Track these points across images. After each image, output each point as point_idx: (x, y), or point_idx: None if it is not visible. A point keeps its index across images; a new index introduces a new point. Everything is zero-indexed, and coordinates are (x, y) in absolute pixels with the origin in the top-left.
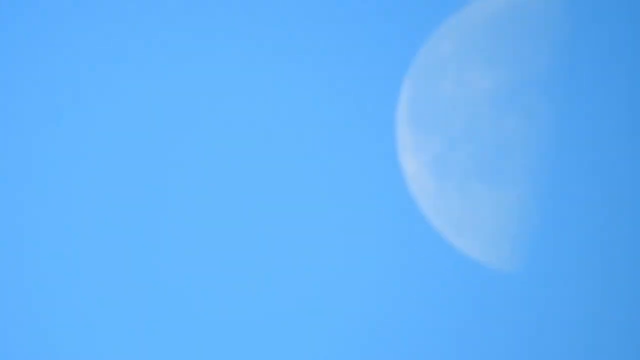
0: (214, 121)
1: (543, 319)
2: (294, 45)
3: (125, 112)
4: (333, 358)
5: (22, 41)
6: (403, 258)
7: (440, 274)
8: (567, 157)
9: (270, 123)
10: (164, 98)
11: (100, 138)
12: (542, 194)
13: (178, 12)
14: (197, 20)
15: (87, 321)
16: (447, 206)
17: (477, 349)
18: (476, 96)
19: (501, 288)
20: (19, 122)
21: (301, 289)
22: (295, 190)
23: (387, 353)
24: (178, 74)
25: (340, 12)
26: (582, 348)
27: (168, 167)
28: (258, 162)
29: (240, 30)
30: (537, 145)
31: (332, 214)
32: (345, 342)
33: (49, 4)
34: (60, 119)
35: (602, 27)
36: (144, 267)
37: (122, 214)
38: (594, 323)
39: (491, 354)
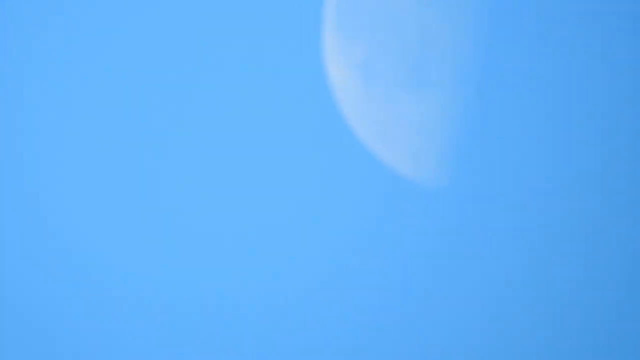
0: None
1: (470, 236)
2: None
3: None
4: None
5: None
6: (327, 169)
7: (364, 187)
8: (497, 61)
9: (194, 31)
10: None
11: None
12: (471, 102)
13: None
14: None
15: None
16: (373, 115)
17: (401, 267)
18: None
19: (427, 202)
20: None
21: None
22: (220, 94)
23: (307, 275)
24: None
25: None
26: (506, 267)
27: None
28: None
29: None
30: (465, 50)
31: (254, 119)
32: (268, 244)
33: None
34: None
35: None
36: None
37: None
38: (521, 241)
39: (417, 272)
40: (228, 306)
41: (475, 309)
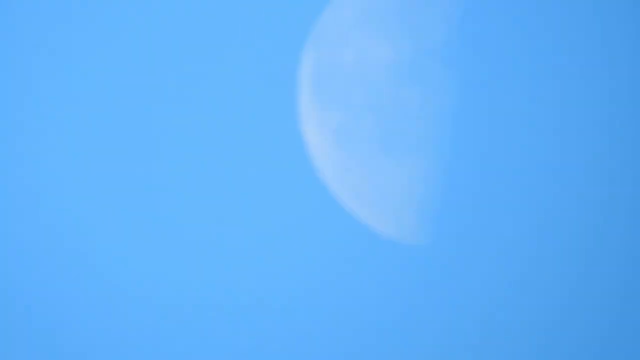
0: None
1: (448, 290)
2: (193, 13)
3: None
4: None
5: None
6: (306, 230)
7: (343, 245)
8: (467, 127)
9: (170, 94)
10: None
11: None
12: (442, 165)
13: None
14: None
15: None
16: (349, 178)
17: (379, 321)
18: (376, 68)
19: (404, 259)
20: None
21: (206, 270)
22: (200, 162)
23: (287, 325)
24: None
25: None
26: (485, 319)
27: None
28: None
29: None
30: (437, 117)
31: (234, 186)
32: (245, 317)
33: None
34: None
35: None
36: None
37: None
38: (499, 294)
39: (395, 326)
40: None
41: None
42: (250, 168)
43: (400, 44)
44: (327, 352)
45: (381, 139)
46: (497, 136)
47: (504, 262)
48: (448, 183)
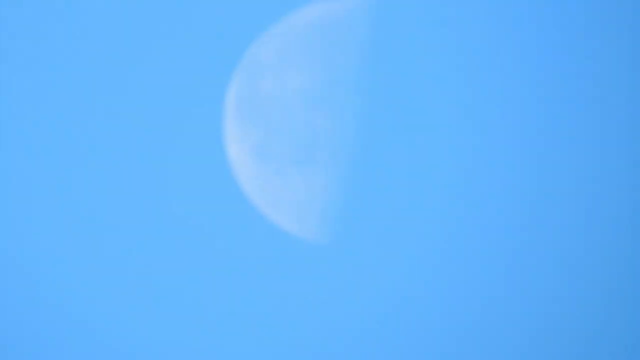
0: None
1: (350, 285)
2: (132, 45)
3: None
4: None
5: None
6: (227, 236)
7: (260, 247)
8: (368, 145)
9: (103, 116)
10: None
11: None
12: (346, 176)
13: None
14: None
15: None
16: (266, 187)
17: (290, 313)
18: (292, 94)
19: (312, 256)
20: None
21: (130, 276)
22: (130, 175)
23: (211, 326)
24: None
25: (171, 15)
26: (389, 314)
27: None
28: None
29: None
30: (342, 136)
31: (163, 196)
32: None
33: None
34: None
35: (404, 34)
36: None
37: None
38: (397, 289)
39: (305, 319)
40: None
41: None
42: (176, 176)
43: (312, 75)
44: (238, 340)
45: (292, 153)
46: (396, 152)
47: (402, 260)
48: (348, 191)
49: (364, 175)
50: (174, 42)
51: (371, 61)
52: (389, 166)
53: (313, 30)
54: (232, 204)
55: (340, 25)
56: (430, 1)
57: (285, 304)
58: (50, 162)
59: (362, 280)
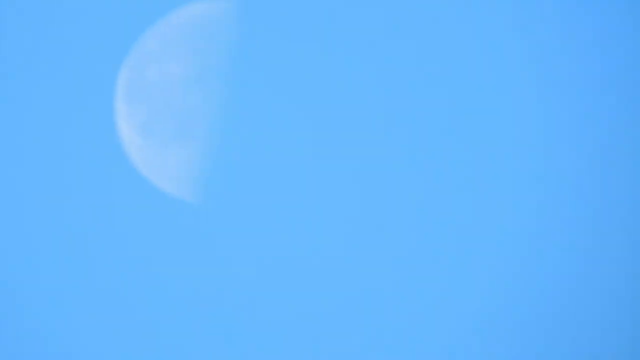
0: None
1: (221, 238)
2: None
3: None
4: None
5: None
6: (116, 203)
7: (144, 210)
8: (235, 122)
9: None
10: None
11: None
12: (217, 147)
13: None
14: None
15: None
16: (150, 158)
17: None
18: (172, 80)
19: (188, 213)
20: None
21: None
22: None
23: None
24: None
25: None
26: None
27: None
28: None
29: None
30: (213, 114)
31: (62, 162)
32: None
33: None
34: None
35: (267, 29)
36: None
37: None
38: (264, 245)
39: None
40: None
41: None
42: (72, 154)
43: (189, 63)
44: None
45: (172, 129)
46: (258, 127)
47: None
48: (219, 160)
49: (232, 146)
50: (75, 36)
51: (239, 52)
52: (253, 138)
53: (192, 26)
54: (121, 172)
55: (214, 22)
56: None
57: (164, 255)
58: None
59: (231, 234)
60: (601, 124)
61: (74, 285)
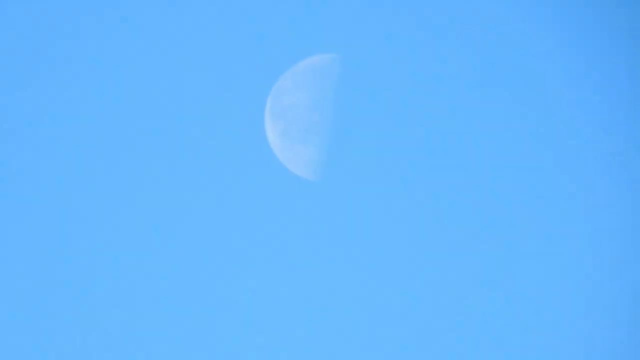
0: None
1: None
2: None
3: None
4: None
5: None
6: (265, 187)
7: (283, 191)
8: (341, 127)
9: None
10: None
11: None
12: (329, 145)
13: None
14: None
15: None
16: (286, 153)
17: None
18: (299, 104)
19: (316, 192)
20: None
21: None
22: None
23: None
24: None
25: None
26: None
27: None
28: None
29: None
30: (326, 124)
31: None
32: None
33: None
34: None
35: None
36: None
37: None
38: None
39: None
40: None
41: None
42: (231, 156)
43: (310, 92)
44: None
45: (300, 134)
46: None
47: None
48: (332, 153)
49: (341, 145)
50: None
51: (344, 89)
52: (356, 141)
53: (313, 70)
54: (269, 166)
55: (328, 67)
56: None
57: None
58: None
59: (348, 210)
60: (601, 124)
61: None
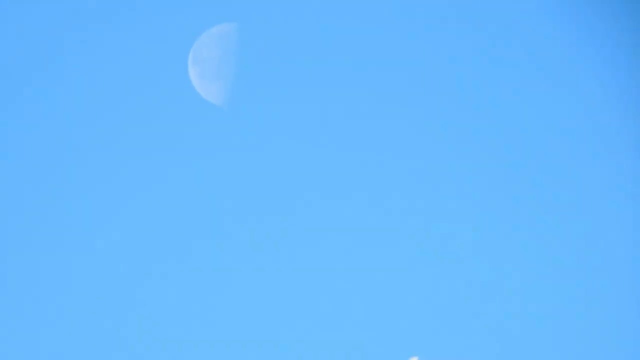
0: None
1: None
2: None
3: None
4: None
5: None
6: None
7: (198, 115)
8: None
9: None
10: None
11: None
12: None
13: None
14: None
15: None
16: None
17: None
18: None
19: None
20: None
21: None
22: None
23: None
24: None
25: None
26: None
27: None
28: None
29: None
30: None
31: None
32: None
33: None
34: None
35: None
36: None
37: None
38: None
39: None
40: None
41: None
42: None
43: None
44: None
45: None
46: None
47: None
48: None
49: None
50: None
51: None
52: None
53: (217, 38)
54: (192, 99)
55: (230, 35)
56: None
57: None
58: None
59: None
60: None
61: None
